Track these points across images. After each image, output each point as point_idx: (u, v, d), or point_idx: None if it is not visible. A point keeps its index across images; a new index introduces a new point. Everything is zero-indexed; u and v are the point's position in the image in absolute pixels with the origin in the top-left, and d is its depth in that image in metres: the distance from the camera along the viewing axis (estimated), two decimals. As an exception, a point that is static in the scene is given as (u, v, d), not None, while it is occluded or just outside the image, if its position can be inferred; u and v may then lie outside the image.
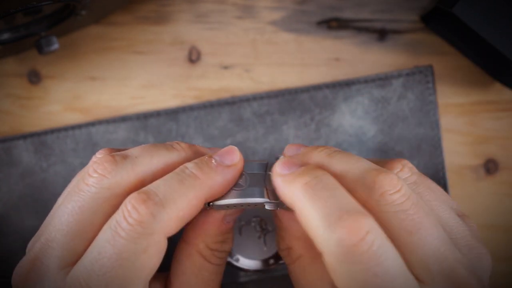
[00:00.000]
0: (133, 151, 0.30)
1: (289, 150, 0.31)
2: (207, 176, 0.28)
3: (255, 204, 0.30)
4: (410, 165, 0.31)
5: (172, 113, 0.40)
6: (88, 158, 0.40)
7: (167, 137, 0.40)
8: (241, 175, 0.30)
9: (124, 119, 0.40)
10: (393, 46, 0.42)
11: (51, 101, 0.42)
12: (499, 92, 0.42)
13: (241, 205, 0.30)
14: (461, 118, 0.42)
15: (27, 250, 0.30)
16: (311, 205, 0.26)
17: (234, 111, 0.40)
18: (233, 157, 0.30)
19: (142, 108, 0.41)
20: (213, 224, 0.30)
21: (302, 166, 0.28)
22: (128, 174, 0.29)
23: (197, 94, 0.42)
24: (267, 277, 0.39)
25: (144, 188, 0.27)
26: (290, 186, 0.27)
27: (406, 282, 0.26)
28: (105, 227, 0.27)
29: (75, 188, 0.29)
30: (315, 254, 0.29)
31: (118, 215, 0.27)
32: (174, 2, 0.42)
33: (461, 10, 0.36)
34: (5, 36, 0.37)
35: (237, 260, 0.36)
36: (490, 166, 0.42)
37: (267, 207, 0.29)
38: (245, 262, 0.37)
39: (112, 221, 0.27)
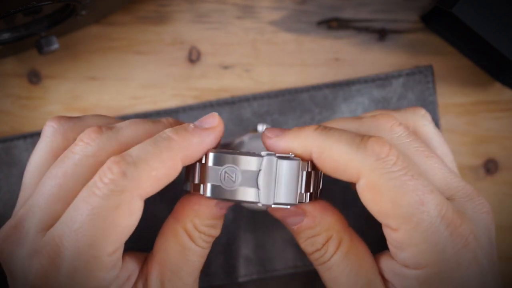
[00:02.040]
0: (120, 123, 0.31)
1: (270, 132, 0.31)
2: (183, 138, 0.29)
3: (247, 203, 0.30)
4: (398, 122, 0.32)
5: (172, 113, 0.40)
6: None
7: (167, 137, 0.40)
8: (233, 170, 0.29)
9: (124, 119, 0.40)
10: (393, 46, 0.42)
11: (51, 101, 0.42)
12: (499, 92, 0.42)
13: (232, 201, 0.30)
14: (461, 118, 0.42)
15: (12, 215, 0.31)
16: (332, 141, 0.28)
17: (234, 111, 0.40)
18: (212, 120, 0.30)
19: (142, 108, 0.42)
20: (205, 205, 0.30)
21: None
22: (111, 142, 0.30)
23: (197, 94, 0.42)
24: (267, 277, 0.39)
25: (122, 153, 0.28)
26: (299, 137, 0.29)
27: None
28: (84, 188, 0.28)
29: (62, 156, 0.30)
30: (352, 234, 0.31)
31: (95, 177, 0.28)
32: (174, 2, 0.42)
33: (461, 10, 0.36)
34: (5, 36, 0.37)
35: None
36: (490, 166, 0.42)
37: (260, 205, 0.29)
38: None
39: (90, 183, 0.28)
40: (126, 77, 0.42)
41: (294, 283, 0.40)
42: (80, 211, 0.27)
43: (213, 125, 0.30)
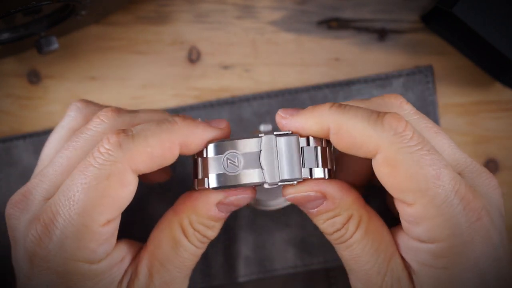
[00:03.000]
0: (140, 110, 0.32)
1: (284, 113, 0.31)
2: (186, 125, 0.30)
3: (253, 185, 0.30)
4: (405, 100, 0.32)
5: (172, 113, 0.40)
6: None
7: (167, 137, 0.40)
8: (234, 155, 0.29)
9: (124, 119, 0.40)
10: (393, 46, 0.42)
11: (51, 101, 0.42)
12: (499, 92, 0.42)
13: (239, 186, 0.30)
14: (461, 118, 0.42)
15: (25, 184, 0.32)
16: (349, 116, 0.28)
17: (234, 111, 0.40)
18: (221, 122, 0.31)
19: (142, 108, 0.41)
20: (204, 204, 0.30)
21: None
22: (125, 122, 0.31)
23: (197, 94, 0.42)
24: (267, 277, 0.39)
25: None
26: (315, 115, 0.29)
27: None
28: (82, 159, 0.29)
29: (78, 131, 0.31)
30: (370, 211, 0.31)
31: (94, 148, 0.28)
32: (174, 2, 0.42)
33: (461, 10, 0.36)
34: (5, 36, 0.37)
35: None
36: (490, 166, 0.42)
37: (266, 186, 0.29)
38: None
39: (88, 154, 0.29)
40: (126, 77, 0.42)
41: (294, 283, 0.40)
42: (75, 180, 0.28)
43: (220, 127, 0.31)
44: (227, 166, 0.29)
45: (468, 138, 0.42)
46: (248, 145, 0.29)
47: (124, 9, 0.42)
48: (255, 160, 0.29)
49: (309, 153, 0.30)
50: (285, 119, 0.30)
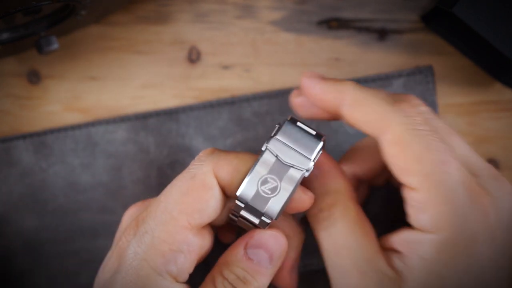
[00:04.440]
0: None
1: (307, 81, 0.32)
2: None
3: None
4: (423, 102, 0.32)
5: (172, 113, 0.40)
6: (88, 158, 0.40)
7: (167, 137, 0.40)
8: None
9: (124, 119, 0.40)
10: (393, 46, 0.42)
11: (51, 101, 0.42)
12: (499, 92, 0.42)
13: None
14: (461, 118, 0.42)
15: None
16: (368, 94, 0.29)
17: (234, 111, 0.40)
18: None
19: (142, 108, 0.41)
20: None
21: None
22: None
23: (197, 94, 0.42)
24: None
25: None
26: (338, 84, 0.30)
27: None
28: None
29: None
30: (360, 210, 0.31)
31: None
32: (174, 2, 0.42)
33: (461, 10, 0.36)
34: (5, 36, 0.37)
35: None
36: (490, 166, 0.42)
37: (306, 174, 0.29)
38: None
39: None
40: (126, 77, 0.42)
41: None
42: (168, 187, 0.30)
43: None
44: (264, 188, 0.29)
45: (468, 138, 0.42)
46: (260, 169, 0.29)
47: (124, 9, 0.42)
48: (281, 168, 0.29)
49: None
50: (310, 78, 0.31)
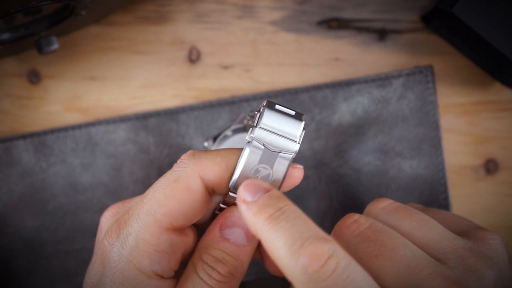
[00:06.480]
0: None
1: None
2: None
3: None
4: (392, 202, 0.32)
5: (172, 113, 0.40)
6: (88, 158, 0.40)
7: (167, 137, 0.40)
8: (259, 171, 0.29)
9: (124, 119, 0.40)
10: (393, 46, 0.42)
11: (51, 101, 0.42)
12: (499, 92, 0.42)
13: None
14: (461, 118, 0.42)
15: None
16: (275, 236, 0.25)
17: (234, 111, 0.40)
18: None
19: (142, 108, 0.41)
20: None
21: (266, 190, 0.27)
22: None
23: (197, 94, 0.42)
24: (267, 277, 0.39)
25: None
26: (255, 218, 0.27)
27: None
28: None
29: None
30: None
31: None
32: (174, 2, 0.42)
33: (461, 10, 0.36)
34: (5, 36, 0.37)
35: None
36: (490, 166, 0.42)
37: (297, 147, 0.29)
38: None
39: None
40: (126, 77, 0.42)
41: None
42: (151, 189, 0.29)
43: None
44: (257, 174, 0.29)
45: (468, 138, 0.42)
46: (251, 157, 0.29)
47: (124, 9, 0.42)
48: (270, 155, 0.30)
49: None
50: (239, 201, 0.27)
